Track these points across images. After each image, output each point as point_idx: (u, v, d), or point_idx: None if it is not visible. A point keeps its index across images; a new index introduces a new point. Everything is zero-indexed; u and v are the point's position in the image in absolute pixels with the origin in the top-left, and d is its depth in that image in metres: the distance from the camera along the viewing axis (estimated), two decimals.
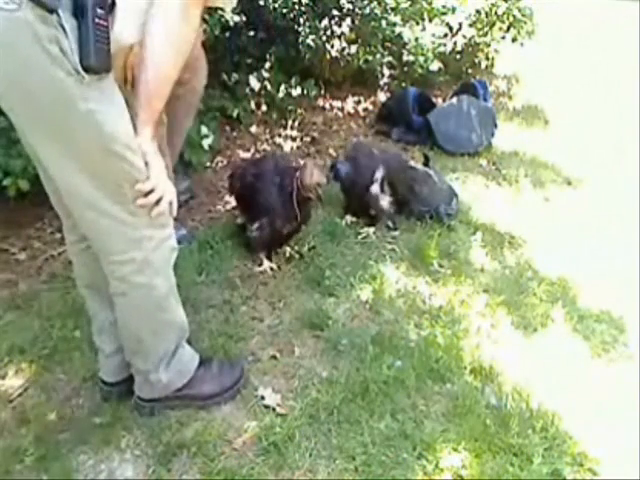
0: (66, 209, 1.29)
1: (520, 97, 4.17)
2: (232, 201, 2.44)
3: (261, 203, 2.09)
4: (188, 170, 2.61)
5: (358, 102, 3.75)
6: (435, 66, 3.48)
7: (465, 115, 3.18)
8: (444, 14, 3.54)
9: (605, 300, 2.07)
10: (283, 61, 3.47)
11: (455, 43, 3.81)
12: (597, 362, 1.83)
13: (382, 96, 3.83)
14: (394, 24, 3.32)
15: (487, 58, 4.28)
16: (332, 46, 3.50)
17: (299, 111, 3.40)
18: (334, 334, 1.81)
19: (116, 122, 1.10)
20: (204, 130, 2.71)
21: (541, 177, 3.01)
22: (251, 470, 1.38)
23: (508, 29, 3.90)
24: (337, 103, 3.68)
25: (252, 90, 3.32)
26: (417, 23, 3.44)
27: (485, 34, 3.92)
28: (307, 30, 3.35)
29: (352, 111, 3.65)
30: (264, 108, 3.36)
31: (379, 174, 2.34)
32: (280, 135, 3.20)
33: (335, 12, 3.42)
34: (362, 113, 3.65)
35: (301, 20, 3.42)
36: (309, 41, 3.31)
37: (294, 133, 3.24)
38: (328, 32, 3.44)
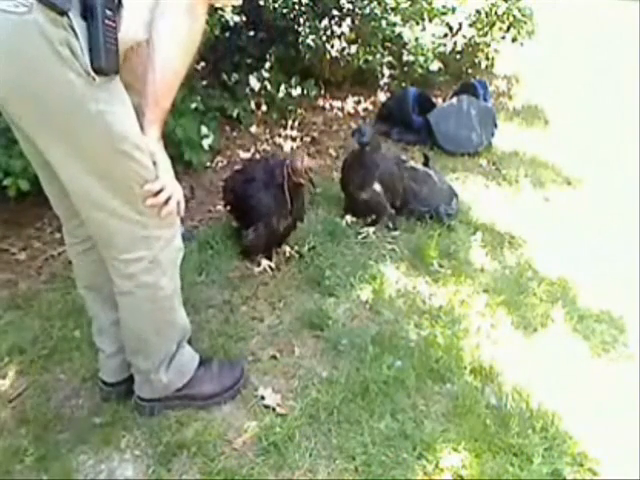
0: (67, 211, 1.29)
1: (520, 97, 4.17)
2: None
3: (254, 208, 2.09)
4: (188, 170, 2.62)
5: (358, 102, 3.75)
6: (435, 66, 3.49)
7: (465, 115, 3.18)
8: (444, 14, 3.55)
9: (605, 300, 2.07)
10: (283, 61, 3.47)
11: (455, 43, 3.81)
12: (597, 362, 1.82)
13: (382, 96, 3.83)
14: (394, 24, 3.32)
15: (487, 58, 4.28)
16: (332, 46, 3.50)
17: (299, 111, 3.40)
18: (334, 334, 1.81)
19: (125, 122, 1.11)
20: (204, 130, 2.72)
21: (541, 177, 3.02)
22: (251, 470, 1.38)
23: (508, 29, 3.90)
24: (337, 103, 3.68)
25: (252, 90, 3.32)
26: (417, 23, 3.44)
27: (485, 34, 3.93)
28: (307, 30, 3.36)
29: (352, 111, 3.65)
30: (264, 108, 3.36)
31: (377, 174, 2.34)
32: (280, 135, 3.21)
33: (335, 12, 3.43)
34: (362, 113, 3.65)
35: (301, 20, 3.43)
36: (309, 41, 3.31)
37: (294, 133, 3.24)
38: (328, 32, 3.45)
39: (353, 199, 2.43)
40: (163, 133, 1.24)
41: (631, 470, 1.45)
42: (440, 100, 3.71)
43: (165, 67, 1.14)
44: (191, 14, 1.12)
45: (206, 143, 2.72)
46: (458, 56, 3.97)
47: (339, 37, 3.52)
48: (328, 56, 3.48)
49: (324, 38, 3.41)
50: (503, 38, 3.99)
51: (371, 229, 2.38)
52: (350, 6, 3.38)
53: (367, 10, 3.28)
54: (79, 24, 0.98)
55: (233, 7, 3.04)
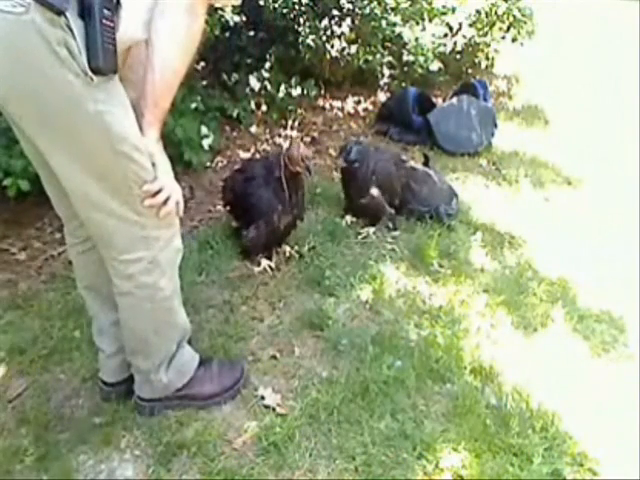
0: (68, 211, 1.29)
1: (520, 97, 4.17)
2: None
3: (254, 205, 2.09)
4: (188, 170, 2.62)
5: (358, 102, 3.75)
6: (435, 66, 3.48)
7: (465, 115, 3.18)
8: (444, 14, 3.54)
9: (605, 300, 2.07)
10: (283, 61, 3.47)
11: (455, 43, 3.82)
12: (597, 362, 1.82)
13: (382, 96, 3.83)
14: (394, 24, 3.32)
15: (487, 58, 4.28)
16: (332, 46, 3.50)
17: (299, 111, 3.40)
18: (334, 334, 1.81)
19: (123, 123, 1.11)
20: (204, 130, 2.72)
21: (541, 177, 3.02)
22: (251, 470, 1.38)
23: (508, 29, 3.90)
24: (337, 103, 3.68)
25: (252, 90, 3.32)
26: (417, 23, 3.44)
27: (485, 34, 3.92)
28: (307, 30, 3.35)
29: (352, 111, 3.65)
30: (264, 108, 3.36)
31: (374, 178, 2.34)
32: (280, 135, 3.21)
33: (335, 12, 3.43)
34: (362, 113, 3.65)
35: (301, 20, 3.43)
36: (309, 41, 3.31)
37: (294, 133, 3.24)
38: (328, 32, 3.45)
39: (353, 203, 2.44)
40: (163, 133, 1.24)
41: (631, 470, 1.45)
42: (440, 100, 3.71)
43: (164, 67, 1.14)
44: (191, 14, 1.12)
45: (206, 143, 2.72)
46: (458, 56, 3.97)
47: (339, 37, 3.52)
48: (328, 56, 3.48)
49: (324, 38, 3.41)
50: (503, 38, 3.99)
51: (371, 229, 2.38)
52: (350, 6, 3.38)
53: (367, 10, 3.28)
54: (77, 24, 0.98)
55: (233, 7, 3.05)
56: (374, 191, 2.34)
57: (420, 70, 3.45)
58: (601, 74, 4.58)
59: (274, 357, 1.73)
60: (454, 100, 3.26)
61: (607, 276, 2.19)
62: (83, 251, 1.39)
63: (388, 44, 3.53)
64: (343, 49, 3.53)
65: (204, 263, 2.11)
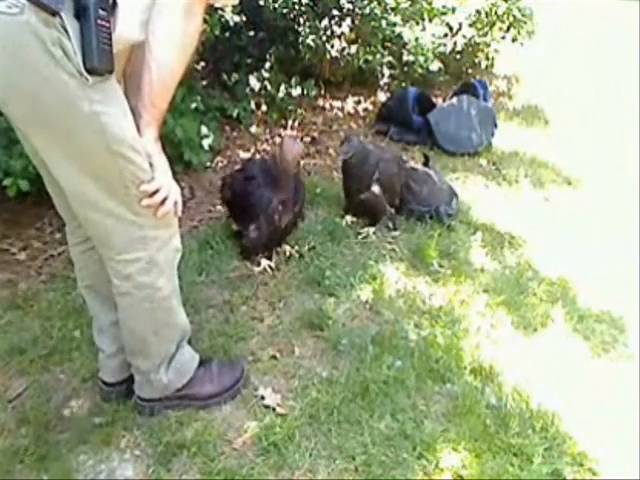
0: (69, 211, 1.29)
1: (520, 97, 4.17)
2: None
3: (254, 205, 2.09)
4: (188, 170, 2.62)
5: (358, 102, 3.75)
6: (435, 66, 3.48)
7: (465, 115, 3.18)
8: (444, 14, 3.54)
9: (605, 300, 2.07)
10: (283, 61, 3.47)
11: (455, 43, 3.81)
12: (597, 362, 1.82)
13: (382, 96, 3.83)
14: (394, 24, 3.31)
15: (487, 58, 4.28)
16: (332, 46, 3.50)
17: (299, 111, 3.40)
18: (334, 334, 1.81)
19: (120, 123, 1.11)
20: (204, 130, 2.72)
21: (541, 177, 3.02)
22: (251, 470, 1.38)
23: (508, 29, 3.90)
24: (337, 103, 3.68)
25: (252, 90, 3.32)
26: (417, 23, 3.44)
27: (485, 34, 3.92)
28: (307, 30, 3.35)
29: (352, 111, 3.65)
30: (264, 108, 3.36)
31: (375, 176, 2.34)
32: (280, 135, 3.21)
33: (335, 12, 3.42)
34: (362, 113, 3.65)
35: (301, 20, 3.43)
36: (309, 41, 3.31)
37: (294, 133, 3.24)
38: (328, 32, 3.44)
39: (353, 200, 2.44)
40: (162, 133, 1.24)
41: (631, 470, 1.45)
42: (440, 100, 3.71)
43: (162, 67, 1.13)
44: (189, 14, 1.11)
45: (206, 143, 2.72)
46: (458, 56, 3.97)
47: (339, 37, 3.52)
48: (328, 56, 3.48)
49: (324, 38, 3.40)
50: (503, 38, 3.99)
51: (371, 229, 2.38)
52: (350, 6, 3.38)
53: (367, 10, 3.28)
54: (72, 24, 0.98)
55: (233, 7, 3.05)
56: (375, 188, 2.33)
57: (420, 70, 3.44)
58: (601, 74, 4.58)
59: (274, 357, 1.73)
60: (454, 100, 3.26)
61: (607, 276, 2.19)
62: (84, 251, 1.39)
63: (388, 44, 3.53)
64: (343, 49, 3.53)
65: (204, 263, 2.11)
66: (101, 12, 1.00)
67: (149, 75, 1.13)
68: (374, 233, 2.37)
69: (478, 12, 3.72)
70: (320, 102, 3.63)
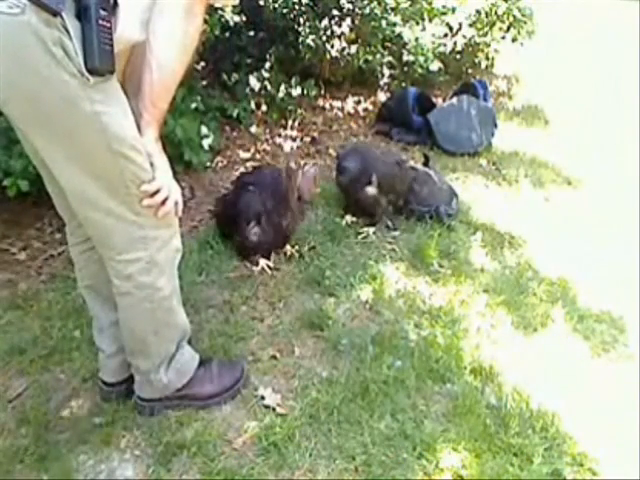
0: (69, 211, 1.29)
1: (520, 97, 4.17)
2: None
3: (245, 209, 2.10)
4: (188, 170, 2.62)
5: (358, 102, 3.75)
6: (435, 66, 3.48)
7: (465, 115, 3.18)
8: (444, 14, 3.54)
9: (605, 300, 2.07)
10: (283, 61, 3.47)
11: (455, 43, 3.81)
12: (597, 362, 1.83)
13: (382, 96, 3.83)
14: (394, 24, 3.32)
15: (487, 58, 4.28)
16: (332, 46, 3.50)
17: (299, 111, 3.40)
18: (334, 334, 1.81)
19: (121, 123, 1.11)
20: (204, 130, 2.72)
21: (541, 177, 3.02)
22: (251, 470, 1.38)
23: (508, 29, 3.90)
24: (337, 103, 3.68)
25: (252, 90, 3.32)
26: (417, 23, 3.44)
27: (485, 34, 3.92)
28: (307, 30, 3.35)
29: (352, 111, 3.65)
30: (264, 108, 3.36)
31: (374, 178, 2.34)
32: (280, 135, 3.21)
33: (335, 12, 3.42)
34: (362, 113, 3.65)
35: (301, 20, 3.43)
36: (309, 41, 3.31)
37: (294, 133, 3.24)
38: (328, 32, 3.45)
39: (350, 197, 2.43)
40: (162, 133, 1.24)
41: (631, 470, 1.45)
42: (440, 100, 3.71)
43: (162, 68, 1.14)
44: (189, 14, 1.12)
45: (206, 143, 2.72)
46: (458, 56, 3.97)
47: (339, 37, 3.52)
48: (328, 56, 3.48)
49: (324, 38, 3.40)
50: (503, 38, 3.99)
51: (371, 229, 2.38)
52: (350, 6, 3.38)
53: (367, 10, 3.28)
54: (73, 24, 0.98)
55: (233, 7, 3.05)
56: (370, 188, 2.33)
57: (420, 70, 3.44)
58: (601, 74, 4.58)
59: (274, 357, 1.73)
60: (454, 100, 3.26)
61: (607, 276, 2.19)
62: (84, 251, 1.39)
63: (388, 44, 3.53)
64: (343, 49, 3.53)
65: (204, 263, 2.11)
66: (102, 12, 1.00)
67: (150, 75, 1.13)
68: (374, 233, 2.37)
69: (478, 12, 3.72)
70: (320, 102, 3.63)
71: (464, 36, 3.80)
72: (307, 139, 3.21)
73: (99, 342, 1.50)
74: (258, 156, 2.98)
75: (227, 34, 3.21)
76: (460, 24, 3.70)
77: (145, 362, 1.42)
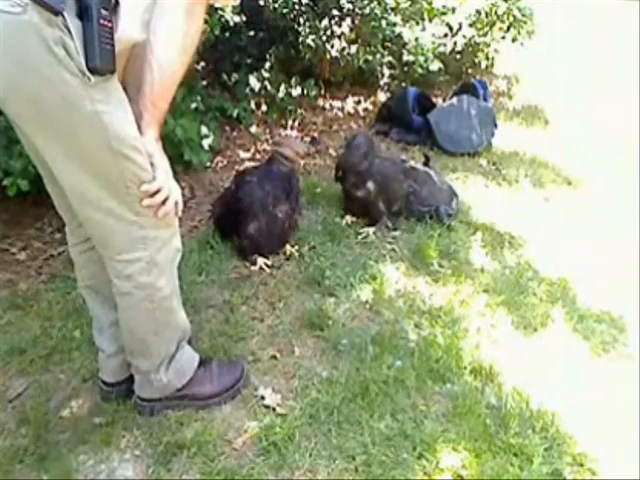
0: (69, 211, 1.29)
1: (520, 97, 4.17)
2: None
3: (246, 205, 2.11)
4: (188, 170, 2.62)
5: (358, 102, 3.75)
6: (435, 66, 3.48)
7: (465, 115, 3.18)
8: (444, 14, 3.55)
9: (605, 300, 2.07)
10: (283, 61, 3.48)
11: (455, 43, 3.82)
12: (597, 362, 1.82)
13: (382, 96, 3.83)
14: (394, 24, 3.32)
15: (487, 58, 4.28)
16: (332, 46, 3.50)
17: (299, 111, 3.40)
18: (334, 334, 1.81)
19: (122, 123, 1.11)
20: (204, 130, 2.72)
21: (541, 177, 3.01)
22: (251, 470, 1.38)
23: (508, 29, 3.90)
24: (337, 103, 3.68)
25: (252, 90, 3.32)
26: (417, 23, 3.44)
27: (485, 34, 3.92)
28: (307, 30, 3.36)
29: (352, 111, 3.65)
30: (264, 108, 3.36)
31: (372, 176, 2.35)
32: (280, 135, 3.21)
33: (335, 12, 3.43)
34: (362, 113, 3.65)
35: (301, 20, 3.43)
36: (309, 41, 3.31)
37: (294, 133, 3.24)
38: (328, 32, 3.45)
39: (349, 196, 2.44)
40: (162, 133, 1.24)
41: (631, 470, 1.45)
42: (440, 100, 3.71)
43: (163, 68, 1.14)
44: (190, 15, 1.12)
45: (206, 143, 2.72)
46: (458, 56, 3.97)
47: (339, 37, 3.52)
48: (328, 56, 3.49)
49: (324, 38, 3.41)
50: (503, 38, 3.99)
51: (371, 229, 2.38)
52: (350, 6, 3.38)
53: (367, 10, 3.28)
54: (74, 24, 0.98)
55: (233, 7, 3.05)
56: (370, 186, 2.33)
57: (420, 70, 3.45)
58: (601, 74, 4.58)
59: (274, 357, 1.73)
60: (454, 100, 3.26)
61: (607, 276, 2.19)
62: (84, 251, 1.39)
63: (388, 44, 3.53)
64: (343, 49, 3.54)
65: (204, 263, 2.11)
66: (103, 12, 1.00)
67: (150, 75, 1.14)
68: (374, 233, 2.37)
69: (478, 12, 3.73)
70: (320, 102, 3.63)
71: (464, 36, 3.80)
72: (307, 139, 3.21)
73: (99, 342, 1.50)
74: (258, 156, 2.98)
75: (227, 34, 3.21)
76: (460, 24, 3.70)
77: (145, 362, 1.42)
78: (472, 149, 3.18)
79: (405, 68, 3.69)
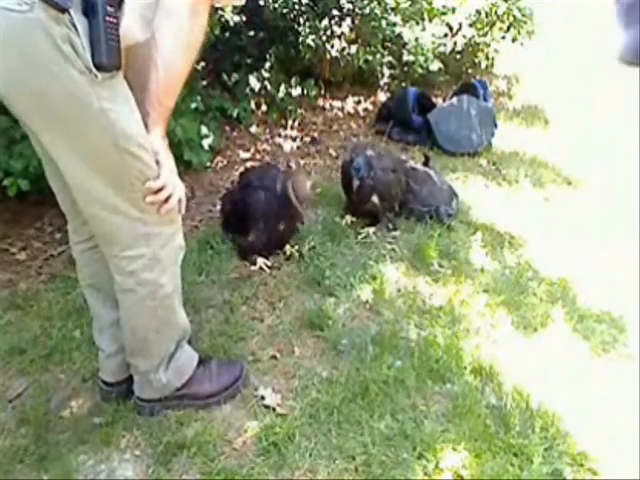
0: (73, 208, 1.29)
1: (520, 97, 4.17)
2: None
3: (252, 212, 2.11)
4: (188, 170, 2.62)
5: (358, 102, 3.76)
6: (435, 66, 3.49)
7: (465, 115, 3.18)
8: (444, 14, 3.55)
9: (605, 300, 2.07)
10: (283, 61, 3.48)
11: (455, 43, 3.82)
12: (597, 362, 1.82)
13: (382, 96, 3.83)
14: (394, 24, 3.32)
15: (487, 58, 4.28)
16: (332, 46, 3.51)
17: (299, 111, 3.40)
18: (334, 334, 1.81)
19: (128, 120, 1.11)
20: (204, 130, 2.72)
21: (541, 177, 3.02)
22: (251, 470, 1.38)
23: (508, 29, 3.91)
24: (337, 103, 3.68)
25: (252, 90, 3.33)
26: (417, 23, 3.45)
27: (485, 34, 3.93)
28: (307, 30, 3.36)
29: (352, 111, 3.65)
30: (264, 108, 3.36)
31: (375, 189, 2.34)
32: (280, 135, 3.21)
33: (335, 12, 3.43)
34: (362, 113, 3.66)
35: (301, 20, 3.43)
36: (309, 41, 3.32)
37: (294, 133, 3.25)
38: (328, 32, 3.45)
39: (353, 205, 2.44)
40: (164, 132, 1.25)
41: (631, 470, 1.45)
42: (440, 100, 3.71)
43: (168, 66, 1.15)
44: (195, 13, 1.13)
45: (206, 143, 2.72)
46: (458, 56, 3.98)
47: (339, 37, 3.52)
48: (328, 56, 3.49)
49: (324, 38, 3.41)
50: (503, 38, 3.99)
51: (371, 229, 2.38)
52: (350, 6, 3.38)
53: (367, 10, 3.28)
54: (80, 21, 0.99)
55: (233, 7, 3.05)
56: (375, 199, 2.33)
57: (420, 70, 3.45)
58: (601, 74, 4.58)
59: (274, 357, 1.73)
60: (454, 100, 3.26)
61: (607, 276, 2.19)
62: (87, 249, 1.39)
63: (388, 44, 3.54)
64: (343, 49, 3.54)
65: (204, 263, 2.11)
66: (109, 9, 1.01)
67: (156, 73, 1.14)
68: (374, 233, 2.37)
69: (478, 12, 3.73)
70: (320, 102, 3.63)
71: (464, 36, 3.80)
72: (307, 139, 3.21)
73: (99, 342, 1.50)
74: (258, 156, 2.99)
75: (227, 34, 3.21)
76: (460, 24, 3.71)
77: (144, 362, 1.42)
78: (472, 149, 3.18)
79: (405, 68, 3.69)
